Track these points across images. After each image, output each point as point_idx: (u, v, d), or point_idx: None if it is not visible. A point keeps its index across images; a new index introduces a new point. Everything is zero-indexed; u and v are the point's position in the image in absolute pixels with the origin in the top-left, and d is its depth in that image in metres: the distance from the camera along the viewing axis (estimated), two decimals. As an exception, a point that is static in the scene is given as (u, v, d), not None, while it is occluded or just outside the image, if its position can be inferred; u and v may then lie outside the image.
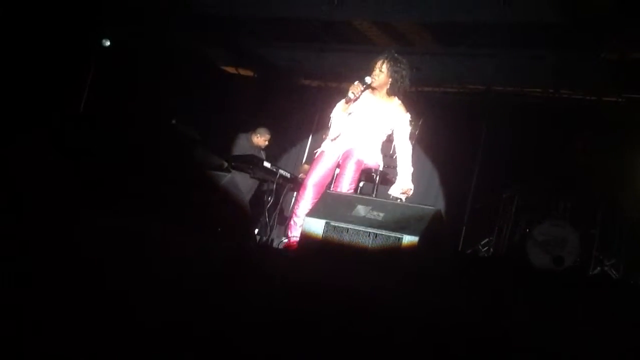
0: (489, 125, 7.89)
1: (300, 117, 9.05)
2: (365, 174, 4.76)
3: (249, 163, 6.33)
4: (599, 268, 6.39)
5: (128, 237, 2.55)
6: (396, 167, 4.70)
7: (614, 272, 6.36)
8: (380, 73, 4.66)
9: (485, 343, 1.93)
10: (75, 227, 2.48)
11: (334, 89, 8.06)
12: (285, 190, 6.68)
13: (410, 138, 4.83)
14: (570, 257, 6.31)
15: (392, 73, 4.65)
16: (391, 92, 4.71)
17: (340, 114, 4.71)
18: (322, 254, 3.82)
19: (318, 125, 8.27)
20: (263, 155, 7.86)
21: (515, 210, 7.11)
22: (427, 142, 6.89)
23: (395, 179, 4.67)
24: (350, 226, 3.77)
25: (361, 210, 3.85)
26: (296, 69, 9.11)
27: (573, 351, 2.06)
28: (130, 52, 7.88)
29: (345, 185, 4.50)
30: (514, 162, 7.37)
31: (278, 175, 6.21)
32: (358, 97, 4.67)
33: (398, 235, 3.64)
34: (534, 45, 6.65)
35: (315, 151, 4.94)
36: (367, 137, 4.69)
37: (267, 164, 6.18)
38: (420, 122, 5.27)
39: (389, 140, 4.82)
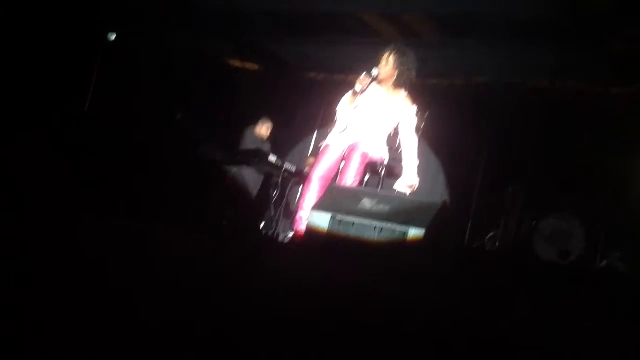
0: (495, 118, 7.85)
1: (306, 110, 9.04)
2: (371, 167, 4.75)
3: (255, 157, 6.33)
4: (605, 261, 6.37)
5: (130, 236, 2.55)
6: (402, 160, 4.69)
7: (621, 265, 6.33)
8: (387, 65, 4.64)
9: (488, 340, 1.92)
10: (77, 226, 2.48)
11: (340, 82, 8.03)
12: (291, 184, 6.67)
13: (416, 131, 4.81)
14: (576, 250, 6.30)
15: (399, 65, 4.64)
16: (398, 85, 4.70)
17: (346, 107, 4.70)
18: (327, 248, 3.82)
19: (324, 118, 8.25)
20: (268, 147, 7.86)
21: (521, 204, 7.08)
22: (433, 135, 6.87)
23: (401, 172, 4.66)
24: (355, 220, 3.76)
25: (367, 203, 3.84)
26: (302, 62, 9.08)
27: (578, 347, 2.05)
28: (136, 47, 7.87)
29: (351, 178, 4.50)
30: (520, 156, 7.34)
31: (284, 169, 6.21)
32: (365, 90, 4.66)
33: (404, 229, 3.63)
34: (540, 38, 6.61)
35: (320, 144, 4.93)
36: (373, 130, 4.67)
37: (272, 158, 6.17)
38: (426, 115, 5.25)
39: (395, 133, 4.81)
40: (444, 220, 3.83)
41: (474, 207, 7.69)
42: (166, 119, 7.17)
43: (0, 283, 1.42)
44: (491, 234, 7.23)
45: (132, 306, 1.49)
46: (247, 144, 7.84)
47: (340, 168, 4.68)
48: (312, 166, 4.90)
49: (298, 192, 6.27)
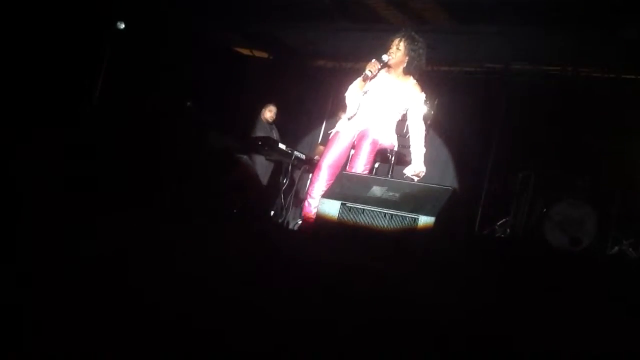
0: (506, 104, 7.81)
1: (315, 97, 9.02)
2: (381, 155, 4.73)
3: (264, 145, 6.33)
4: (617, 247, 6.34)
5: (140, 225, 2.56)
6: (409, 146, 4.67)
7: (633, 252, 6.30)
8: (398, 51, 4.61)
9: (497, 326, 1.91)
10: (90, 218, 2.48)
11: (349, 70, 8.01)
12: (301, 171, 6.68)
13: (426, 118, 4.78)
14: (587, 237, 6.27)
15: (409, 51, 4.61)
16: (407, 71, 4.67)
17: (356, 93, 4.67)
18: (337, 235, 3.81)
19: (333, 106, 8.24)
20: (275, 132, 7.87)
21: (532, 191, 7.06)
22: (443, 121, 6.85)
23: (411, 159, 4.64)
24: (366, 207, 3.75)
25: (377, 191, 3.83)
26: (311, 50, 9.06)
27: (588, 334, 2.05)
28: (145, 36, 7.87)
29: (360, 165, 4.48)
30: (531, 142, 7.30)
31: (293, 157, 6.21)
32: (375, 75, 4.64)
33: (414, 216, 3.62)
34: (552, 22, 6.55)
35: (329, 132, 4.91)
36: (382, 117, 4.65)
37: (282, 146, 6.17)
38: (435, 102, 5.22)
39: (404, 119, 4.78)
40: (455, 207, 3.82)
41: (484, 193, 7.67)
42: (176, 107, 7.18)
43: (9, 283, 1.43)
44: (502, 220, 7.21)
45: (139, 298, 1.49)
46: (257, 131, 7.85)
47: (350, 155, 4.66)
48: (322, 154, 4.89)
49: (308, 179, 6.28)
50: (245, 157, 6.80)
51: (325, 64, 9.32)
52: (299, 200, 6.44)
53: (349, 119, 4.70)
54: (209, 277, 1.86)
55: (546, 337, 1.89)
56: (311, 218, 4.36)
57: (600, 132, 6.85)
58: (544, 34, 6.85)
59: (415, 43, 4.62)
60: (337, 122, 4.96)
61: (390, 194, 3.77)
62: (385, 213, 3.69)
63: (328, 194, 3.99)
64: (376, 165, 4.82)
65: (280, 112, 8.17)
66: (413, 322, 1.79)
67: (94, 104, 7.07)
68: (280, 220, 6.33)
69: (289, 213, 6.55)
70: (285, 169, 6.47)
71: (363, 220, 3.73)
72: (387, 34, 4.83)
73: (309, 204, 4.53)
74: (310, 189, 4.67)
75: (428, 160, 4.68)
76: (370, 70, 4.57)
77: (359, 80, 4.64)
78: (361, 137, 4.60)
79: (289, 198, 6.53)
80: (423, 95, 4.73)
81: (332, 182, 4.33)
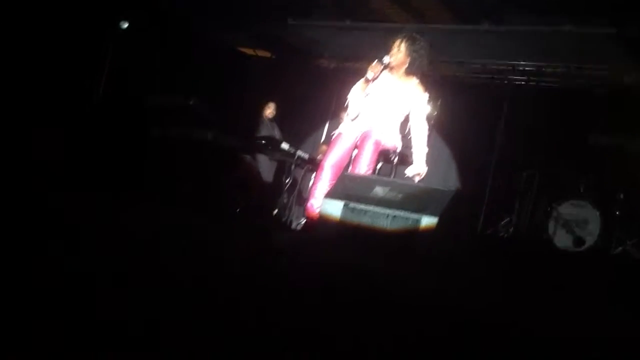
0: (509, 103, 7.80)
1: (318, 97, 9.02)
2: (384, 155, 4.73)
3: (267, 144, 6.33)
4: (620, 248, 6.33)
5: (144, 223, 2.56)
6: (412, 147, 4.66)
7: (636, 252, 6.29)
8: (399, 52, 4.60)
9: (500, 325, 1.91)
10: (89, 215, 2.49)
11: (352, 69, 8.00)
12: (304, 171, 6.67)
13: (429, 118, 4.77)
14: (591, 237, 6.27)
15: (411, 52, 4.60)
16: (409, 72, 4.66)
17: (358, 94, 4.67)
18: (340, 236, 3.81)
19: (336, 105, 8.23)
20: (277, 129, 7.86)
21: (536, 190, 7.05)
22: (447, 121, 6.84)
23: (413, 159, 4.64)
24: (368, 208, 3.75)
25: (379, 191, 3.83)
26: (314, 49, 9.05)
27: (592, 332, 2.04)
28: (148, 35, 7.88)
29: (363, 166, 4.48)
30: (535, 141, 7.29)
31: (296, 156, 6.20)
32: (377, 77, 4.63)
33: (417, 216, 3.62)
34: (556, 22, 6.54)
35: (332, 132, 4.91)
36: (385, 118, 4.65)
37: (285, 146, 6.17)
38: (439, 103, 5.22)
39: (407, 120, 4.78)
40: (458, 207, 3.81)
41: (488, 193, 7.66)
42: (179, 106, 7.18)
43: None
44: (505, 219, 7.20)
45: (141, 298, 1.49)
46: (260, 130, 7.85)
47: (353, 156, 4.66)
48: (325, 154, 4.88)
49: (311, 179, 6.27)
50: (248, 156, 6.81)
51: (328, 63, 9.31)
52: (302, 200, 6.44)
53: (352, 120, 4.70)
54: (209, 275, 1.86)
55: (549, 335, 1.89)
56: (315, 218, 4.36)
57: (604, 132, 6.84)
58: (547, 33, 6.84)
59: (417, 43, 4.61)
60: (340, 122, 4.96)
61: (393, 194, 3.77)
62: (388, 214, 3.69)
63: (331, 195, 3.99)
64: (379, 165, 4.81)
65: (283, 112, 8.16)
66: (415, 321, 1.79)
67: (96, 103, 7.08)
68: (283, 220, 6.33)
69: (292, 212, 6.55)
70: (288, 169, 6.46)
71: (366, 220, 3.73)
72: (391, 33, 4.83)
73: (312, 204, 4.53)
74: (313, 188, 4.67)
75: (431, 160, 4.68)
76: (372, 72, 4.56)
77: (361, 82, 4.63)
78: (364, 137, 4.59)
79: (292, 197, 6.53)
80: (426, 96, 4.72)
81: (334, 182, 4.33)
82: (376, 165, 4.69)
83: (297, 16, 7.91)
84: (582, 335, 2.00)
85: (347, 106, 4.78)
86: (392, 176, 4.68)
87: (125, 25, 7.42)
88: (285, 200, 6.53)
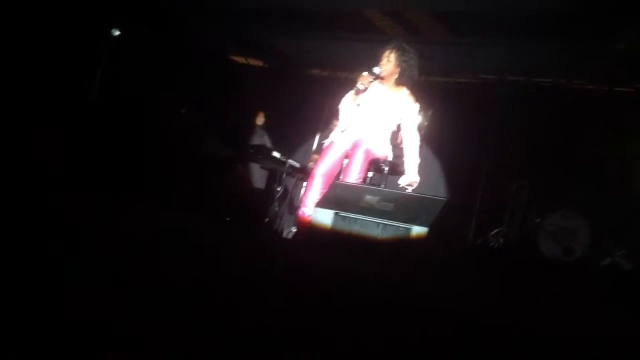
0: (500, 115, 7.84)
1: (309, 106, 9.03)
2: (374, 165, 4.75)
3: (258, 153, 6.35)
4: (609, 259, 6.36)
5: (136, 229, 2.56)
6: (403, 157, 4.69)
7: (625, 263, 6.33)
8: (389, 63, 4.64)
9: (490, 335, 1.93)
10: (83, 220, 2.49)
11: (344, 79, 8.04)
12: (295, 179, 6.69)
13: (420, 128, 4.80)
14: (580, 247, 6.30)
15: (400, 62, 4.64)
16: (400, 82, 4.69)
17: (349, 105, 4.70)
18: (331, 245, 3.83)
19: (327, 115, 8.25)
20: (267, 138, 7.88)
21: (526, 201, 7.08)
22: (437, 131, 6.87)
23: (404, 169, 4.66)
24: (359, 217, 3.77)
25: (370, 200, 3.85)
26: (306, 59, 9.08)
27: (579, 342, 2.06)
28: (140, 43, 7.89)
29: (354, 175, 4.50)
30: (525, 152, 7.33)
31: (287, 165, 6.22)
32: (367, 88, 4.66)
33: (407, 226, 3.65)
34: (545, 34, 6.59)
35: (324, 141, 4.93)
36: (376, 128, 4.68)
37: (276, 154, 6.19)
38: (430, 113, 5.25)
39: (398, 130, 4.81)
40: (448, 216, 3.84)
41: (478, 203, 7.69)
42: (171, 114, 7.19)
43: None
44: (496, 230, 7.23)
45: (136, 301, 1.50)
46: (251, 139, 7.87)
47: (344, 165, 4.68)
48: (316, 162, 4.91)
49: (302, 188, 6.29)
50: (239, 164, 6.82)
51: (320, 72, 9.34)
52: (293, 208, 6.45)
53: (342, 131, 4.72)
54: (204, 282, 1.87)
55: (540, 338, 1.91)
56: (306, 226, 4.38)
57: (593, 144, 6.89)
58: (537, 46, 6.89)
59: (406, 54, 4.65)
60: (331, 131, 4.99)
61: (384, 204, 3.79)
62: (379, 223, 3.72)
63: (322, 203, 4.01)
64: (370, 174, 4.84)
65: (275, 121, 8.18)
66: (407, 325, 1.81)
67: (90, 106, 7.07)
68: (274, 228, 6.33)
69: (283, 221, 6.56)
70: (279, 177, 6.48)
71: (356, 229, 3.75)
72: (382, 44, 4.86)
73: (303, 212, 4.54)
74: (304, 197, 4.69)
75: (422, 171, 4.70)
76: (362, 84, 4.60)
77: (352, 93, 4.67)
78: (355, 146, 4.62)
79: (283, 206, 6.55)
80: (417, 106, 4.76)
81: (325, 191, 4.35)
82: (366, 174, 4.71)
83: (290, 26, 7.94)
84: (572, 338, 2.02)
85: (338, 116, 4.81)
86: (383, 185, 4.70)
87: (117, 32, 7.42)
88: (276, 209, 6.54)
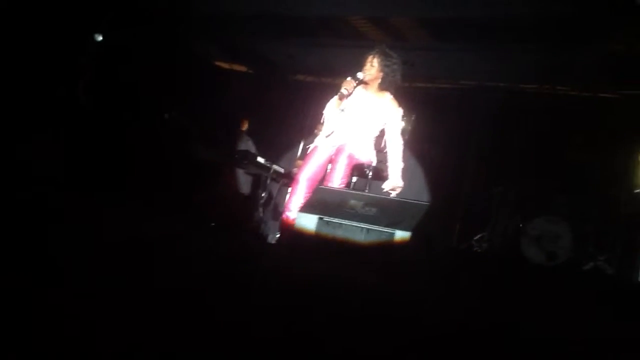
0: (484, 120, 7.89)
1: (294, 112, 9.04)
2: (358, 170, 4.76)
3: (243, 158, 6.33)
4: (592, 263, 6.41)
5: (123, 235, 2.55)
6: (387, 162, 4.71)
7: (608, 268, 6.37)
8: (372, 68, 4.66)
9: (473, 339, 1.93)
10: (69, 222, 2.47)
11: (328, 85, 8.05)
12: (280, 185, 6.68)
13: (403, 133, 4.82)
14: (563, 252, 6.34)
15: (383, 67, 4.66)
16: (383, 87, 4.71)
17: (333, 111, 4.71)
18: (314, 249, 3.82)
19: (312, 120, 8.26)
20: (252, 143, 7.88)
21: (509, 206, 7.12)
22: (420, 137, 6.89)
23: (388, 174, 4.67)
24: (343, 221, 3.78)
25: (354, 205, 3.86)
26: (290, 64, 9.09)
27: (562, 347, 2.07)
28: (124, 48, 7.86)
29: (337, 180, 4.51)
30: (509, 157, 7.38)
31: (272, 171, 6.22)
32: (351, 93, 4.68)
33: (390, 230, 3.65)
34: (529, 41, 6.64)
35: (308, 147, 4.94)
36: (359, 133, 4.69)
37: (260, 159, 6.18)
38: (413, 118, 5.27)
39: (382, 135, 4.82)
40: (432, 221, 3.85)
41: (462, 208, 7.72)
42: (156, 119, 7.16)
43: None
44: (479, 235, 7.26)
45: (124, 306, 1.49)
46: (236, 145, 7.85)
47: (328, 170, 4.69)
48: (300, 168, 4.91)
49: (286, 193, 6.29)
50: (224, 169, 6.80)
51: (304, 78, 9.36)
52: (278, 214, 6.44)
53: (327, 136, 4.73)
54: (186, 289, 1.87)
55: (524, 341, 1.92)
56: (290, 231, 4.37)
57: (575, 149, 6.94)
58: (521, 53, 6.94)
59: (389, 59, 4.67)
60: (315, 137, 4.99)
61: (368, 208, 3.80)
62: (363, 227, 3.72)
63: (305, 208, 4.01)
64: (354, 179, 4.84)
65: (259, 126, 8.18)
66: (390, 334, 1.81)
67: (72, 114, 7.03)
68: (259, 233, 6.32)
69: (268, 226, 6.55)
70: (264, 183, 6.47)
71: (340, 234, 3.76)
72: (367, 50, 4.88)
73: (288, 216, 4.54)
74: (288, 202, 4.69)
75: (405, 175, 4.72)
76: (346, 89, 4.61)
77: (336, 98, 4.68)
78: (338, 151, 4.63)
79: (267, 211, 6.54)
80: (400, 111, 4.77)
81: (309, 195, 4.35)
82: (350, 179, 4.72)
83: (274, 31, 7.94)
84: (555, 340, 2.03)
85: (322, 121, 4.82)
86: (366, 190, 4.71)
87: (100, 38, 7.39)
88: (261, 214, 6.53)
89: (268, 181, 6.34)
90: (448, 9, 6.47)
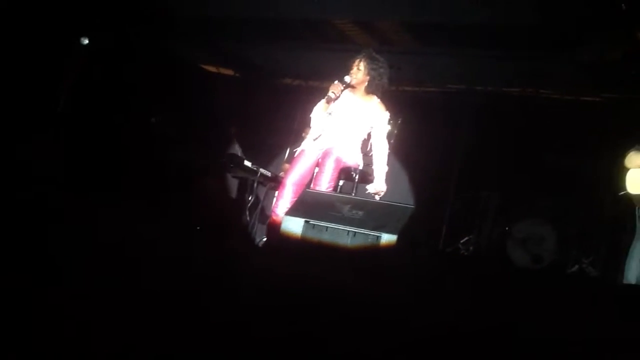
0: (469, 124, 7.92)
1: (281, 115, 9.04)
2: (345, 173, 4.78)
3: (230, 162, 6.32)
4: (577, 266, 6.46)
5: (108, 238, 2.54)
6: (373, 165, 4.73)
7: (592, 270, 6.42)
8: (358, 71, 4.68)
9: (462, 342, 1.94)
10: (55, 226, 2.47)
11: (315, 88, 8.07)
12: (267, 189, 6.67)
13: (389, 137, 4.84)
14: (548, 255, 6.39)
15: (370, 71, 4.68)
16: (370, 90, 4.73)
17: (320, 114, 4.72)
18: (301, 253, 3.83)
19: (299, 124, 8.27)
20: (239, 147, 7.86)
21: (495, 209, 7.16)
22: (407, 140, 6.91)
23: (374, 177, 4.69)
24: (329, 225, 3.78)
25: (340, 208, 3.86)
26: (277, 68, 9.10)
27: (548, 348, 2.09)
28: (111, 52, 7.84)
29: (324, 183, 4.52)
30: (494, 161, 7.42)
31: (259, 174, 6.21)
32: (338, 97, 4.69)
33: (376, 234, 3.66)
34: (513, 45, 6.69)
35: (295, 150, 4.95)
36: (346, 136, 4.70)
37: (247, 163, 6.17)
38: (399, 122, 5.30)
39: (369, 138, 4.84)
40: (418, 225, 3.87)
41: (448, 211, 7.76)
42: (141, 123, 7.15)
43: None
44: (465, 238, 7.30)
45: (110, 310, 1.49)
46: (223, 148, 7.84)
47: (315, 173, 4.70)
48: (287, 172, 4.92)
49: (273, 197, 6.29)
50: (211, 173, 6.79)
51: (291, 82, 9.36)
52: (265, 218, 6.44)
53: (314, 140, 4.74)
54: (172, 292, 1.87)
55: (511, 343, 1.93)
56: (276, 235, 4.37)
57: (560, 153, 6.99)
58: (505, 57, 6.99)
59: (375, 62, 4.69)
60: (302, 140, 5.00)
61: (354, 212, 3.81)
62: (349, 231, 3.73)
63: (292, 212, 4.02)
64: (340, 183, 4.86)
65: (246, 130, 8.17)
66: (376, 338, 1.81)
67: (58, 118, 7.01)
68: (245, 237, 6.31)
69: (255, 230, 6.54)
70: (250, 186, 6.46)
71: (326, 237, 3.76)
72: (354, 54, 4.90)
73: (274, 220, 4.54)
74: (275, 206, 4.69)
75: (392, 179, 4.74)
76: (333, 92, 4.62)
77: (323, 102, 4.69)
78: (325, 155, 4.64)
79: (254, 215, 6.53)
80: (387, 114, 4.79)
81: (296, 199, 4.35)
82: (337, 182, 4.73)
83: (261, 35, 7.95)
84: (542, 341, 2.04)
85: (309, 125, 4.83)
86: (353, 194, 4.72)
87: (86, 41, 7.36)
88: (247, 218, 6.52)
89: (255, 185, 6.33)
90: (434, 13, 6.51)
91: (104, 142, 6.23)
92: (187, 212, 5.92)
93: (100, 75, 7.59)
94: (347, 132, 4.70)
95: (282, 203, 4.54)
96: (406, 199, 7.26)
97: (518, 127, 7.37)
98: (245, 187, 6.92)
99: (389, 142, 4.86)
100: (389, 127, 4.87)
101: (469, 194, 7.52)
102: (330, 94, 4.64)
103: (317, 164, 4.69)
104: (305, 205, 4.00)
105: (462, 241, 7.30)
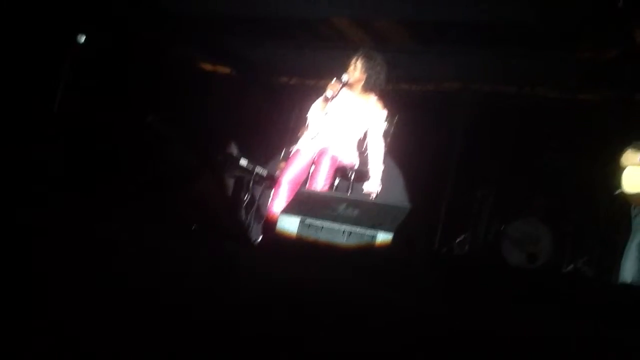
0: (465, 123, 7.92)
1: (277, 114, 9.04)
2: (341, 172, 4.77)
3: (226, 160, 6.32)
4: (572, 266, 6.46)
5: (102, 238, 2.54)
6: (369, 164, 4.73)
7: (587, 270, 6.43)
8: (355, 70, 4.68)
9: (457, 341, 1.94)
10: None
11: (312, 87, 8.06)
12: (262, 188, 6.67)
13: (385, 135, 4.84)
14: (543, 254, 6.39)
15: (367, 69, 4.68)
16: (367, 89, 4.73)
17: (318, 113, 4.72)
18: (296, 252, 3.83)
19: (295, 123, 8.26)
20: (234, 146, 7.86)
21: (490, 208, 7.17)
22: (403, 139, 6.91)
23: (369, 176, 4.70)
24: (324, 224, 3.78)
25: (336, 207, 3.86)
26: (274, 66, 9.09)
27: (542, 349, 2.09)
28: (107, 50, 7.82)
29: (320, 182, 4.52)
30: (490, 160, 7.42)
31: (255, 173, 6.21)
32: (336, 95, 4.69)
33: (372, 233, 3.66)
34: (510, 44, 6.69)
35: (291, 149, 4.94)
36: (343, 135, 4.70)
37: (243, 162, 6.17)
38: (395, 120, 5.29)
39: (366, 137, 4.84)
40: (413, 224, 3.87)
41: (443, 210, 7.76)
42: (138, 122, 7.12)
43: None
44: (460, 237, 7.30)
45: (102, 314, 1.49)
46: (219, 147, 7.83)
47: (310, 172, 4.69)
48: (283, 171, 4.91)
49: (269, 196, 6.28)
50: (206, 172, 6.77)
51: (288, 80, 9.35)
52: (261, 217, 6.43)
53: (311, 139, 4.74)
54: (163, 291, 1.86)
55: (505, 343, 1.93)
56: (272, 234, 4.37)
57: (557, 152, 7.00)
58: (502, 55, 6.99)
59: (372, 61, 4.70)
60: (299, 139, 5.00)
61: (349, 210, 3.81)
62: (344, 230, 3.73)
63: (287, 210, 4.01)
64: (336, 182, 4.86)
65: (242, 128, 8.17)
66: (371, 338, 1.81)
67: (52, 116, 6.98)
68: (241, 236, 6.31)
69: (250, 229, 6.54)
70: (246, 185, 6.46)
71: (322, 236, 3.76)
72: (351, 52, 4.90)
73: (270, 219, 4.54)
74: (271, 205, 4.69)
75: (388, 177, 4.74)
76: (330, 91, 4.62)
77: (320, 100, 4.69)
78: (321, 154, 4.64)
79: (250, 214, 6.53)
80: (384, 113, 4.79)
81: (291, 198, 4.35)
82: (333, 181, 4.73)
83: (258, 33, 7.94)
84: (536, 340, 2.04)
85: (306, 124, 4.83)
86: (349, 193, 4.72)
87: (83, 38, 7.34)
88: (243, 217, 6.52)
89: (251, 184, 6.33)
90: (431, 12, 6.51)
91: (98, 142, 6.21)
92: (182, 211, 5.91)
93: (95, 74, 7.57)
94: (344, 131, 4.70)
95: (277, 202, 4.54)
96: (402, 198, 7.27)
97: (515, 126, 7.37)
98: (241, 186, 6.91)
99: (385, 141, 4.86)
100: (385, 126, 4.87)
101: (465, 193, 7.52)
102: (327, 92, 4.64)
103: (313, 163, 4.69)
104: (300, 204, 4.00)
105: (457, 240, 7.31)
